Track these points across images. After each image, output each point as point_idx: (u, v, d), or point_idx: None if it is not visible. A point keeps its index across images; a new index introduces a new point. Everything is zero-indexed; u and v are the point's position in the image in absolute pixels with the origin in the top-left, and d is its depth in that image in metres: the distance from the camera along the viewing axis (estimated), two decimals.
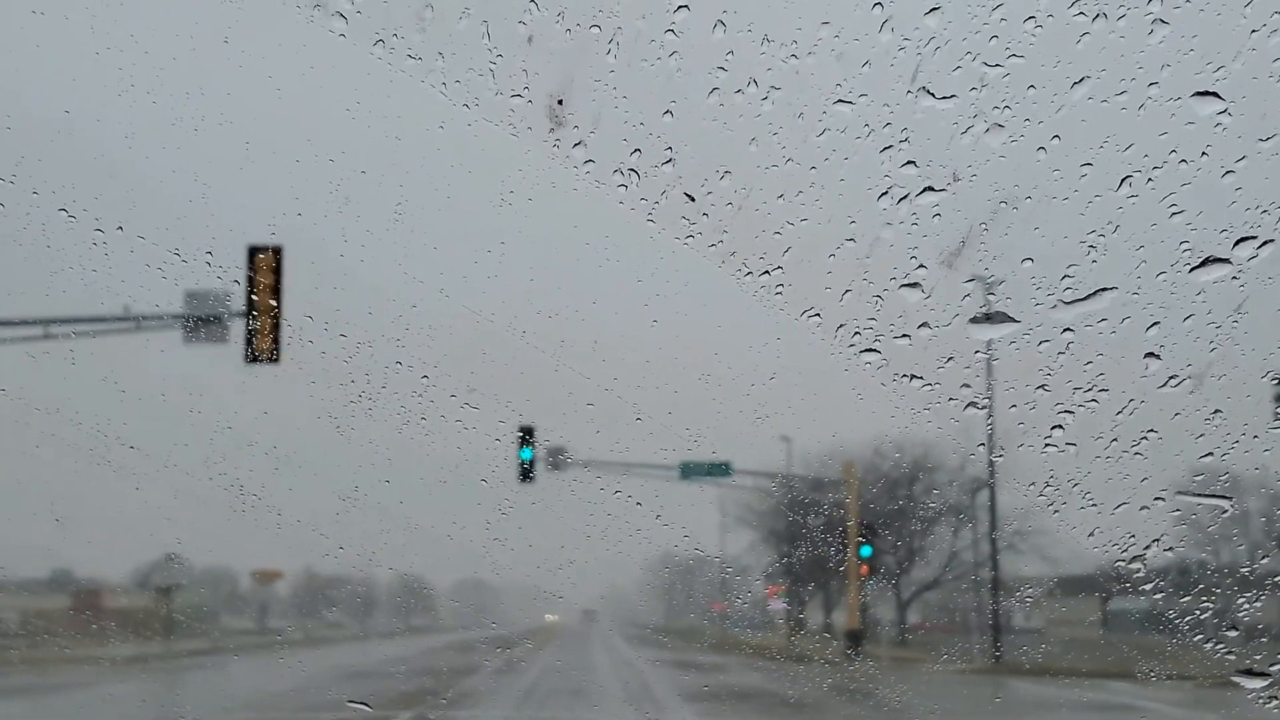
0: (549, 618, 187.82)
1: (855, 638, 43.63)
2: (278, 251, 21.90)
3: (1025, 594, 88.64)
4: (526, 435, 37.77)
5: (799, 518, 63.47)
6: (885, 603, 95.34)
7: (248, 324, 22.15)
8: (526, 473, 37.95)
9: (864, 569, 43.85)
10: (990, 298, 9.95)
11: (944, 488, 56.12)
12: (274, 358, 22.25)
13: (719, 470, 43.96)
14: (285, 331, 21.88)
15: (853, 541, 41.75)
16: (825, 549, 59.74)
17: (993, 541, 50.61)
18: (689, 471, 42.54)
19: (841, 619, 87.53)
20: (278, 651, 55.00)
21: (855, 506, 43.46)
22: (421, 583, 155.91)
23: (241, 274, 21.93)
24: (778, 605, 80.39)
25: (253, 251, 21.75)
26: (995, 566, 42.84)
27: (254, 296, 21.85)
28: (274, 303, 21.83)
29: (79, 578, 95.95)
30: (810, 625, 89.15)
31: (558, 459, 39.64)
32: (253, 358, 22.15)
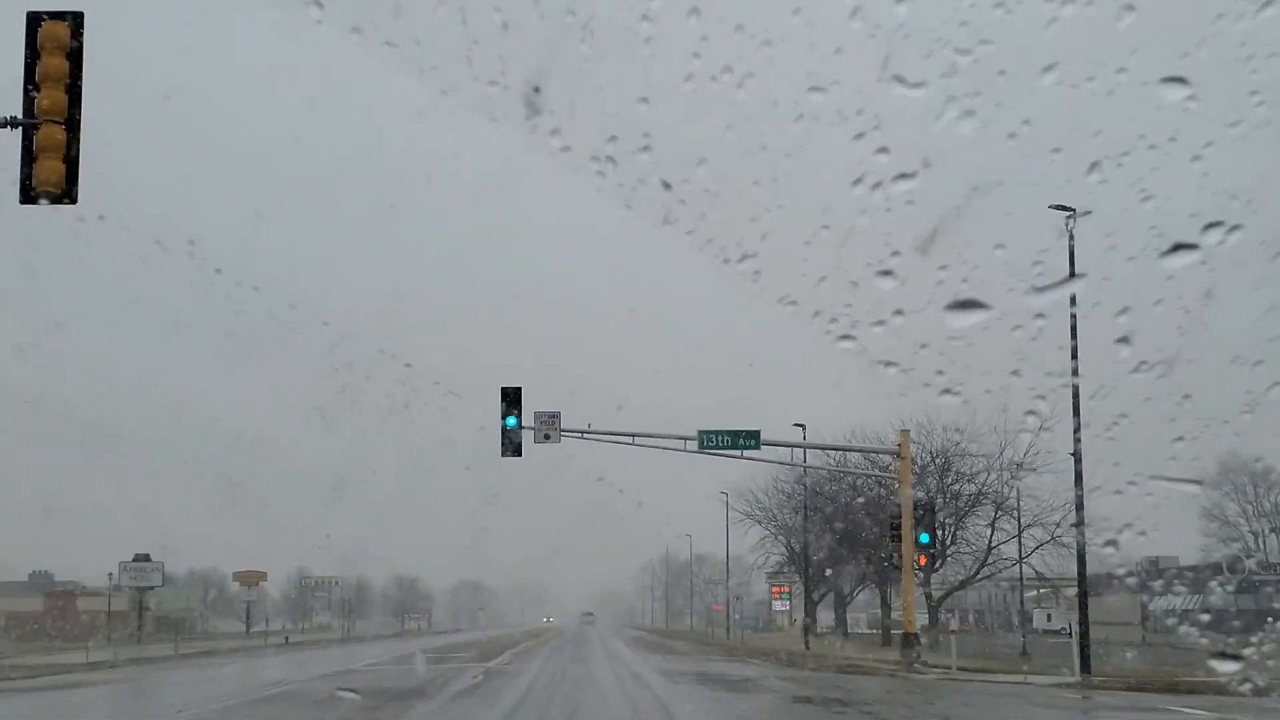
0: (547, 620, 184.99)
1: (913, 643, 35.96)
2: (77, 20, 13.58)
3: (1043, 593, 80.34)
4: (511, 400, 33.62)
5: (822, 506, 58.17)
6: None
7: (24, 140, 13.51)
8: (512, 444, 33.73)
9: (921, 559, 36.60)
10: (963, 284, 10.12)
11: (975, 476, 50.62)
12: (66, 193, 13.61)
13: (745, 440, 35.56)
14: (84, 154, 13.73)
15: (906, 525, 34.36)
16: (856, 538, 55.27)
17: (1065, 536, 44.24)
18: (709, 442, 35.29)
19: (850, 618, 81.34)
20: (240, 657, 51.56)
21: (907, 483, 36.11)
22: (418, 584, 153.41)
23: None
24: (781, 605, 76.63)
25: (34, 20, 13.45)
26: (1082, 563, 31.21)
27: (34, 94, 13.55)
28: (66, 105, 13.50)
29: (59, 579, 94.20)
30: (819, 625, 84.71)
31: (549, 429, 34.79)
32: (30, 194, 13.51)
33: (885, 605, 62.92)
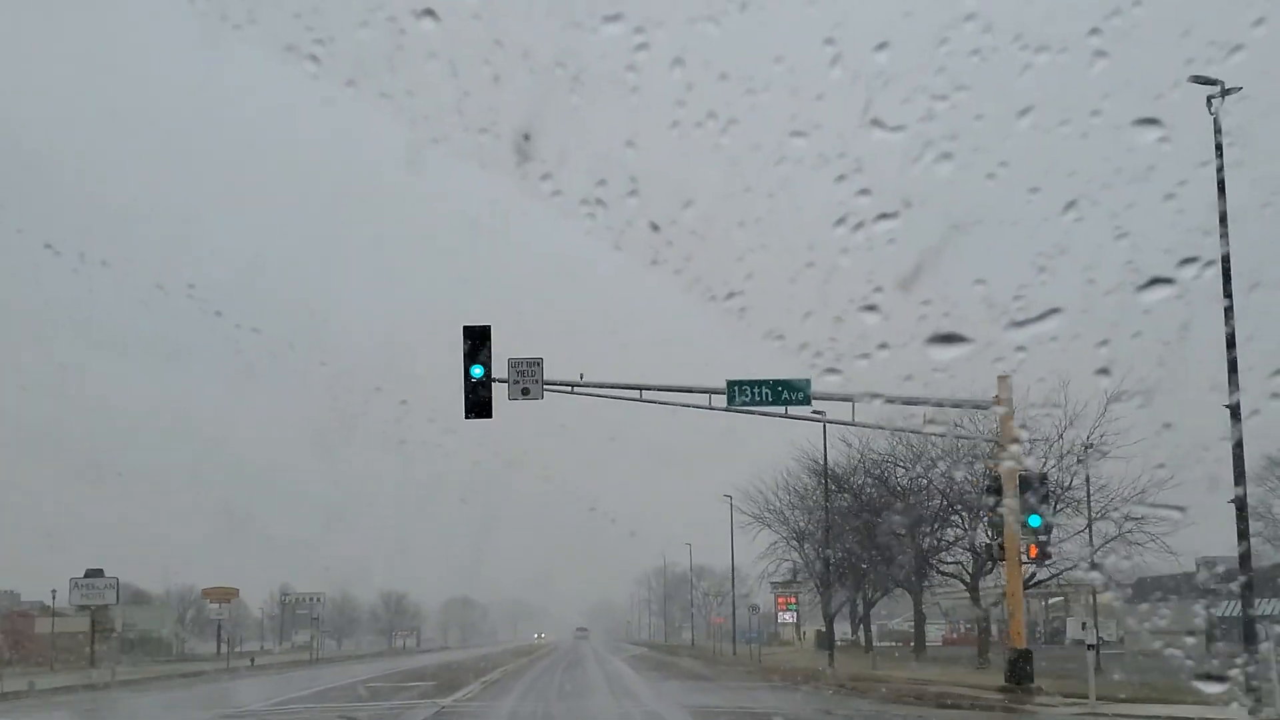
0: (538, 636, 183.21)
1: (1024, 666, 26.63)
2: None
3: (1054, 601, 75.32)
4: (476, 343, 25.89)
5: (846, 502, 52.12)
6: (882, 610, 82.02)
7: None
8: (477, 401, 25.83)
9: (1032, 549, 26.41)
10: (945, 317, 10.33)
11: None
12: None
13: (789, 393, 26.09)
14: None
15: (1010, 503, 24.59)
16: (890, 535, 48.72)
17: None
18: (743, 395, 26.34)
19: (876, 628, 75.65)
20: (155, 688, 45.33)
21: (1011, 445, 24.23)
22: (406, 601, 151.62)
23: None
24: (788, 617, 71.83)
25: None
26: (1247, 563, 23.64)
27: None
28: None
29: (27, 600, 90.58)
30: (830, 636, 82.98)
31: (528, 381, 26.79)
32: None
33: (919, 613, 56.89)
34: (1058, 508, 40.39)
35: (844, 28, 8.82)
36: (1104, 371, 10.52)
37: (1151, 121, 8.96)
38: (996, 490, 26.50)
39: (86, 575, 63.09)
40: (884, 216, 9.65)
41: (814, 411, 29.87)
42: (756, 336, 9.84)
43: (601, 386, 27.82)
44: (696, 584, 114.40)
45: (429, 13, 8.99)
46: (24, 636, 69.74)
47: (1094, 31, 8.79)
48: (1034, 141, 9.30)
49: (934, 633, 79.04)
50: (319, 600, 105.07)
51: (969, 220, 9.70)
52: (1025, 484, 25.56)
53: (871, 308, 10.28)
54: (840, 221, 9.76)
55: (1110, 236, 9.54)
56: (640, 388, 27.42)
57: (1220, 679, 10.33)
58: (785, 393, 26.23)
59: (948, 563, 49.22)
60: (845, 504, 52.50)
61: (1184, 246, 9.38)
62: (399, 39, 9.18)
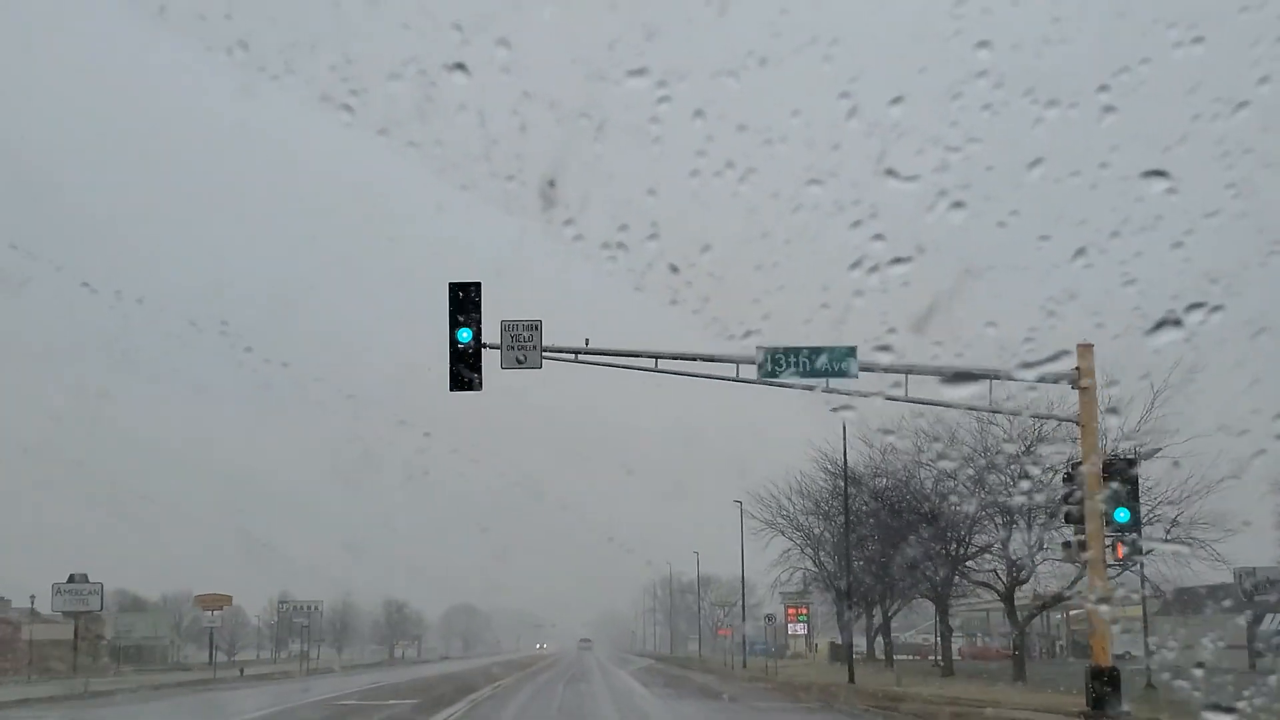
0: (540, 647, 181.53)
1: (1108, 687, 21.25)
2: None
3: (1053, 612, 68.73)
4: (463, 303, 22.03)
5: (864, 504, 48.92)
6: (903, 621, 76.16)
7: None
8: (464, 372, 22.05)
9: (1119, 549, 22.60)
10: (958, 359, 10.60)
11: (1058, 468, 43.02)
12: None
13: (834, 363, 21.06)
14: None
15: (1095, 492, 20.26)
16: (923, 541, 45.01)
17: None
18: (778, 364, 21.56)
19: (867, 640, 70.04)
20: (166, 694, 43.54)
21: (1094, 430, 20.35)
22: (407, 610, 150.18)
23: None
24: (798, 628, 68.53)
25: None
26: None
27: None
28: None
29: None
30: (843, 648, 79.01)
31: (524, 347, 22.64)
32: None
33: (945, 624, 53.04)
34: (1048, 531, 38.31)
35: (859, 82, 9.12)
36: (1113, 411, 10.86)
37: (1159, 173, 9.23)
38: (1076, 478, 22.09)
39: (70, 581, 60.73)
40: (898, 261, 9.92)
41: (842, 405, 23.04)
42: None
43: (610, 354, 23.21)
44: (703, 594, 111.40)
45: (460, 66, 9.29)
46: (8, 644, 67.51)
47: (1103, 88, 9.06)
48: (1044, 191, 9.58)
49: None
50: (317, 609, 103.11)
51: (981, 265, 10.00)
52: (1113, 470, 21.74)
53: (885, 348, 10.60)
54: (855, 265, 10.03)
55: (1118, 283, 9.79)
56: (655, 355, 22.66)
57: (1229, 710, 10.51)
58: (827, 362, 21.43)
59: (981, 570, 46.27)
60: (866, 507, 49.66)
61: (1191, 293, 9.62)
62: (430, 90, 9.47)
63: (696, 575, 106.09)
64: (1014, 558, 41.27)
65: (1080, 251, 9.86)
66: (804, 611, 65.93)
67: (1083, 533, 21.93)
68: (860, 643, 69.96)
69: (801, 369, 21.26)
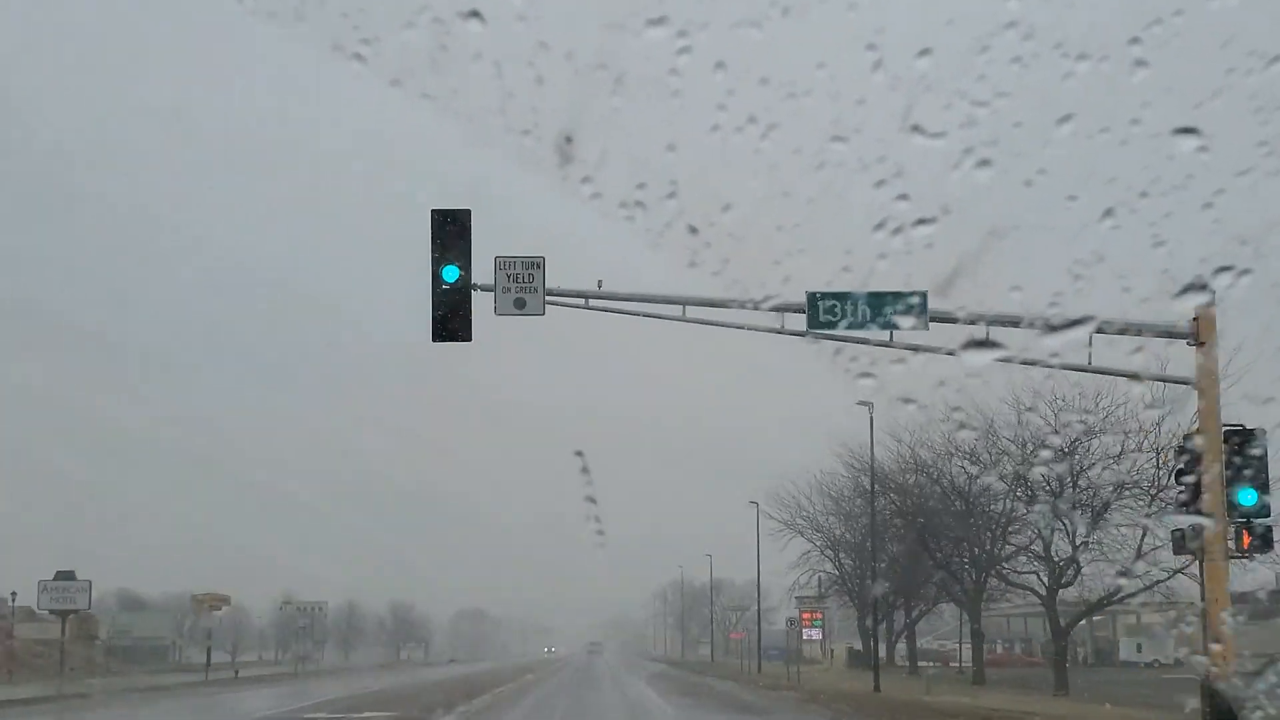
0: (548, 651, 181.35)
1: (1225, 706, 11.72)
2: None
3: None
4: (449, 235, 18.34)
5: (902, 503, 45.59)
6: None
7: None
8: (450, 318, 18.36)
9: (1245, 536, 18.46)
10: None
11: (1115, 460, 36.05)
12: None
13: (898, 309, 15.84)
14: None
15: (1215, 471, 16.27)
16: (956, 541, 43.02)
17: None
18: (828, 312, 15.87)
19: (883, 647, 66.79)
20: (138, 699, 41.75)
21: (1214, 395, 16.24)
22: (415, 613, 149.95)
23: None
24: (814, 633, 65.29)
25: None
26: None
27: None
28: None
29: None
30: (849, 653, 70.08)
31: (524, 289, 18.81)
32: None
33: (978, 631, 49.57)
34: (1151, 510, 35.16)
35: (886, 34, 8.91)
36: (1135, 377, 10.62)
37: (1191, 130, 9.01)
38: (1190, 454, 18.10)
39: (57, 577, 58.06)
40: (922, 222, 9.69)
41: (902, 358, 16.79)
42: (793, 339, 9.87)
43: (626, 299, 19.13)
44: (716, 597, 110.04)
45: (475, 14, 9.10)
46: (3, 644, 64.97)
47: (1135, 40, 8.84)
48: (1073, 149, 9.36)
49: (966, 653, 75.03)
50: (320, 610, 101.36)
51: (1006, 226, 9.76)
52: (1237, 443, 17.61)
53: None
54: (879, 226, 9.81)
55: (1147, 245, 9.57)
56: (683, 302, 18.02)
57: None
58: (888, 309, 16.16)
59: (1020, 571, 43.02)
60: (894, 506, 46.82)
61: (1221, 255, 9.40)
62: (444, 39, 9.29)
63: (710, 578, 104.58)
64: (1056, 558, 38.56)
65: (1109, 212, 9.64)
66: (819, 616, 63.90)
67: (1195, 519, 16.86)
68: (864, 647, 67.45)
69: (860, 318, 16.21)
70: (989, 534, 43.06)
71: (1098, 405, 32.95)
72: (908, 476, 45.42)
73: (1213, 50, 8.82)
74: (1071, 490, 36.17)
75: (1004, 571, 44.05)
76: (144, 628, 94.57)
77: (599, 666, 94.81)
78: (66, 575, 58.28)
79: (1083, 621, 65.47)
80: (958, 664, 67.03)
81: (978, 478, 38.93)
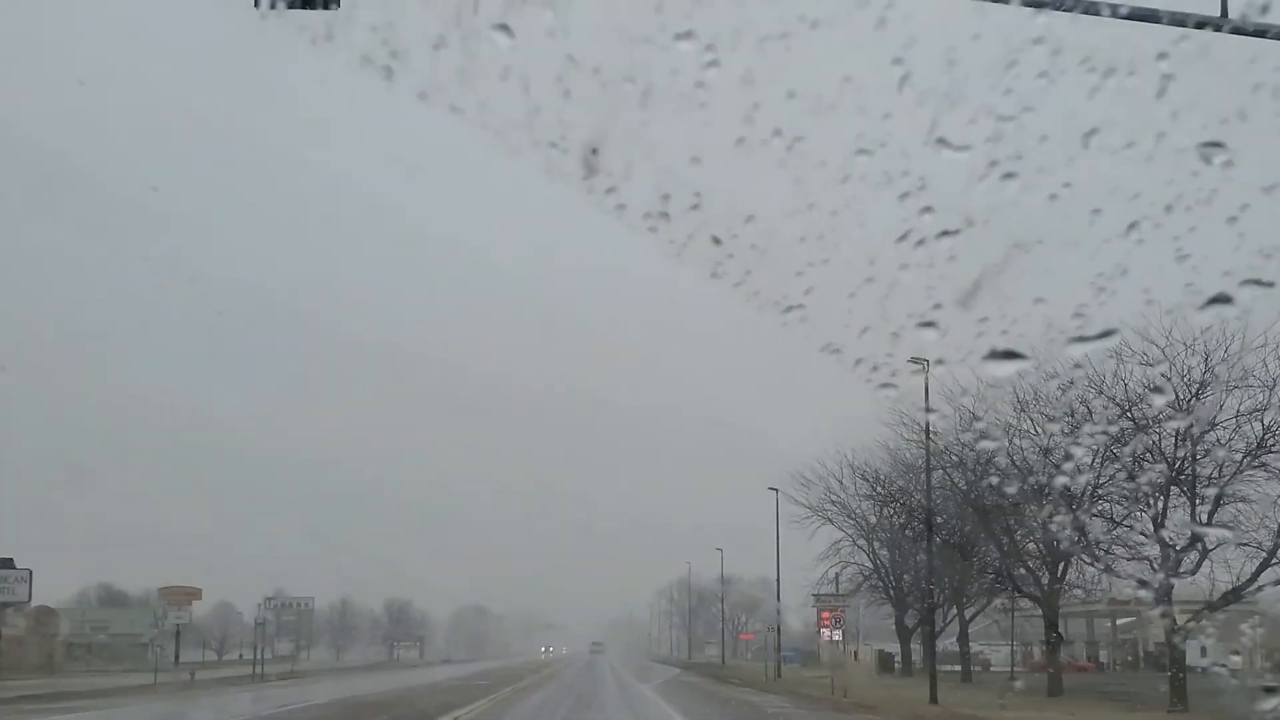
0: (546, 651, 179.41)
1: None
2: None
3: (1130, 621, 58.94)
4: None
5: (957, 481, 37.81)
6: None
7: None
8: None
9: None
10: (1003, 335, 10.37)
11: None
12: None
13: None
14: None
15: None
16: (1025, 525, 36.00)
17: None
18: None
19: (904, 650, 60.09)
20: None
21: None
22: (411, 610, 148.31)
23: None
24: (830, 635, 58.84)
25: None
26: None
27: None
28: None
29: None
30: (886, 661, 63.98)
31: None
32: None
33: (1052, 630, 41.91)
34: (1222, 504, 30.76)
35: (912, 49, 8.94)
36: (1157, 390, 10.66)
37: (1216, 145, 9.04)
38: None
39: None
40: (946, 234, 9.74)
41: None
42: (814, 349, 9.90)
43: None
44: (722, 596, 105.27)
45: (503, 28, 9.14)
46: None
47: (1162, 56, 8.89)
48: (1098, 163, 9.40)
49: (998, 657, 69.63)
50: (307, 605, 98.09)
51: (1030, 240, 9.79)
52: None
53: (930, 324, 10.38)
54: (902, 238, 9.86)
55: (1171, 259, 9.60)
56: None
57: (1275, 690, 10.23)
58: None
59: (1122, 556, 35.35)
60: (946, 482, 39.82)
61: (1245, 269, 9.43)
62: (472, 54, 9.33)
63: (721, 574, 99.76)
64: (1169, 541, 31.53)
65: (1133, 226, 9.68)
66: (840, 614, 56.72)
67: None
68: (903, 650, 62.19)
69: None
70: (1072, 513, 33.79)
71: (1227, 352, 27.11)
72: (967, 450, 36.20)
73: (1239, 65, 8.85)
74: (1190, 456, 30.16)
75: (1100, 558, 35.45)
76: (119, 624, 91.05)
77: (602, 669, 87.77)
78: (5, 563, 52.17)
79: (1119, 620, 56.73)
80: (1009, 669, 60.25)
81: (1047, 454, 30.87)
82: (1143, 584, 32.32)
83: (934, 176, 9.48)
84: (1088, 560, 36.49)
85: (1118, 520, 34.00)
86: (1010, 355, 10.37)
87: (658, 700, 44.97)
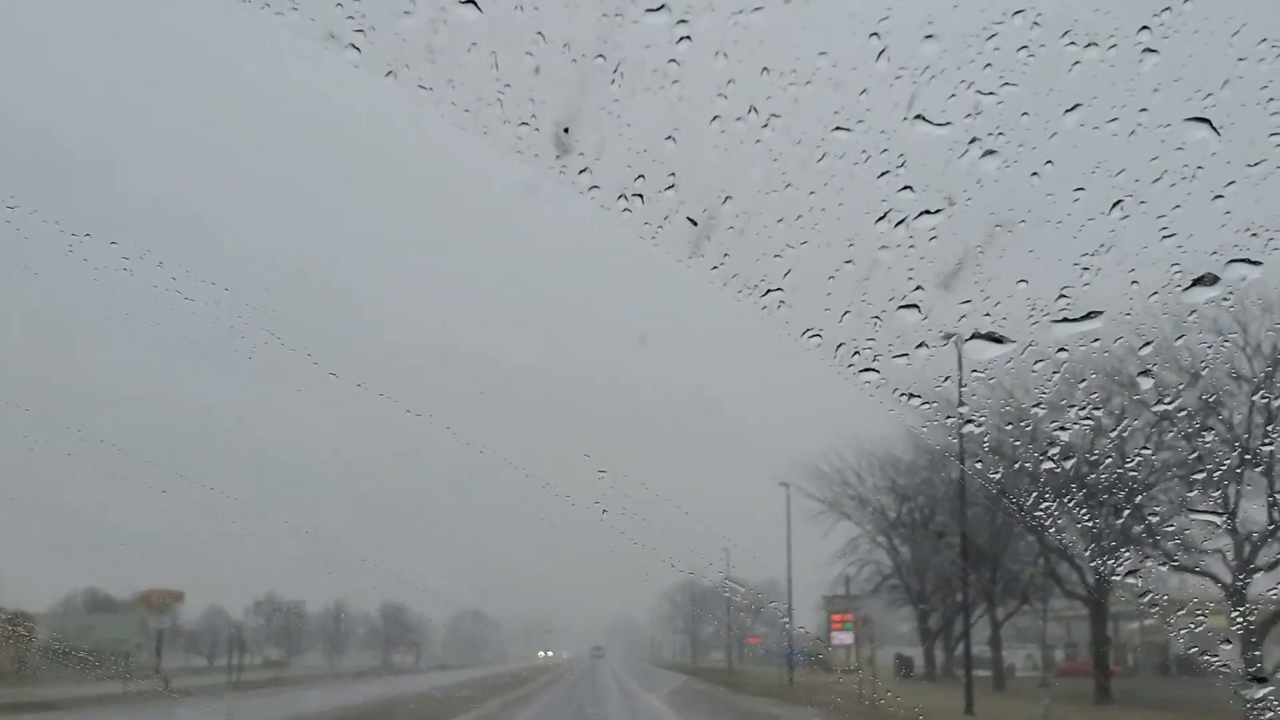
0: (544, 655, 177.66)
1: None
2: None
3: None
4: None
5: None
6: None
7: None
8: None
9: None
10: (985, 317, 10.17)
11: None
12: None
13: None
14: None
15: None
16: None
17: None
18: None
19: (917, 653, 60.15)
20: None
21: None
22: (407, 615, 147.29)
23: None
24: (843, 638, 57.94)
25: None
26: None
27: None
28: None
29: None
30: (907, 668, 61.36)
31: None
32: None
33: (1100, 634, 38.79)
34: None
35: (890, 21, 8.74)
36: (1146, 374, 10.47)
37: (1201, 120, 8.85)
38: None
39: None
40: (926, 213, 9.56)
41: None
42: (793, 334, 9.69)
43: None
44: (729, 598, 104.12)
45: (470, 1, 8.94)
46: None
47: (1144, 28, 8.68)
48: (1081, 139, 9.18)
49: (1016, 661, 66.44)
50: (298, 609, 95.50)
51: (1013, 219, 9.60)
52: None
53: (911, 306, 10.18)
54: (881, 218, 9.66)
55: (1156, 237, 9.40)
56: None
57: (1262, 680, 10.01)
58: None
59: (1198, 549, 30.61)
60: (978, 473, 33.64)
61: (1231, 248, 9.23)
62: (440, 28, 9.13)
63: (726, 574, 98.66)
64: (1244, 531, 28.26)
65: (1117, 203, 9.48)
66: (849, 618, 56.04)
67: None
68: (926, 653, 59.40)
69: None
70: (1122, 501, 30.27)
71: None
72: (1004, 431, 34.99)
73: (1224, 38, 8.67)
74: (1262, 429, 26.59)
75: (1163, 547, 30.83)
76: (105, 629, 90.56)
77: (605, 677, 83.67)
78: None
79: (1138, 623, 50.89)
80: (1036, 674, 57.06)
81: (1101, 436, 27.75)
82: (1215, 580, 28.34)
83: (913, 153, 9.29)
84: (1148, 553, 32.14)
85: (1187, 506, 29.80)
86: (994, 339, 10.20)
87: (659, 705, 41.69)
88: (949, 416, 11.10)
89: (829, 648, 65.48)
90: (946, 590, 46.86)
